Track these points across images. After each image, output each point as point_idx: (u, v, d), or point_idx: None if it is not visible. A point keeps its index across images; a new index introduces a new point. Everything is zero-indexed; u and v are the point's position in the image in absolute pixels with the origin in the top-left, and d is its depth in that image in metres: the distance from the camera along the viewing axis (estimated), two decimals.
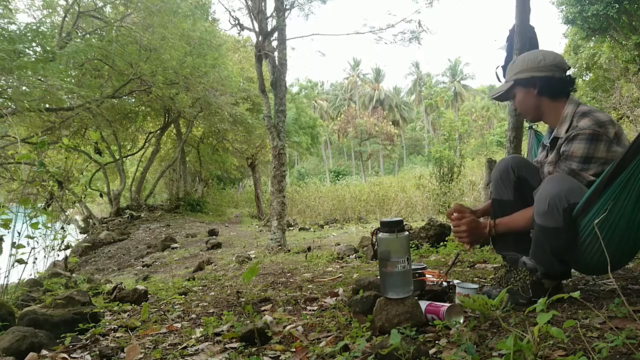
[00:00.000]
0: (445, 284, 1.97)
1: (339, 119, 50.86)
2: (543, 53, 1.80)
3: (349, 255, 4.01)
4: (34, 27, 7.80)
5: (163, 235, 9.12)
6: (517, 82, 1.79)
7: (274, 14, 6.06)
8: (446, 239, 3.94)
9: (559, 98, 1.75)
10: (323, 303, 2.14)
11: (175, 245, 7.88)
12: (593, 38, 14.28)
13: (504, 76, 3.31)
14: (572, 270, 1.78)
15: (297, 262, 3.99)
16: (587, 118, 1.62)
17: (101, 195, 14.09)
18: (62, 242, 3.44)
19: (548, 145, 1.83)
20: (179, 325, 1.99)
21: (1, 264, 2.57)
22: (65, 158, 3.87)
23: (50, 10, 10.25)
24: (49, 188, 3.75)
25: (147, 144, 15.65)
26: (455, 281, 2.00)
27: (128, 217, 12.46)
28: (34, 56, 7.76)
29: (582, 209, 1.52)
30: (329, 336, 1.59)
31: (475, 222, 1.85)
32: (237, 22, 6.23)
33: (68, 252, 5.08)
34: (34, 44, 7.76)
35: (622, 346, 1.11)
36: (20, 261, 2.59)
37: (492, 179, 1.92)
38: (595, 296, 1.72)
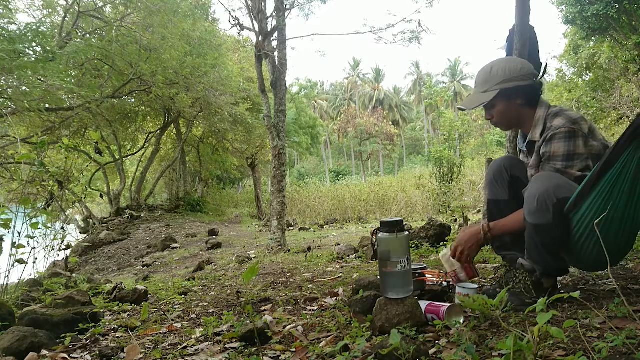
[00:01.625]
0: (445, 284, 1.97)
1: (339, 119, 50.86)
2: (520, 61, 1.80)
3: (349, 255, 4.01)
4: (34, 27, 7.79)
5: (163, 235, 9.12)
6: (502, 92, 1.74)
7: (274, 14, 6.05)
8: (446, 239, 3.94)
9: (535, 105, 1.76)
10: (323, 303, 2.14)
11: (175, 245, 7.87)
12: (593, 38, 14.27)
13: None
14: (572, 269, 1.78)
15: (297, 262, 3.99)
16: (560, 117, 1.65)
17: (101, 196, 14.10)
18: (62, 242, 3.44)
19: (525, 149, 1.84)
20: (179, 325, 1.99)
21: (1, 264, 2.57)
22: (66, 158, 3.88)
23: (50, 10, 10.25)
24: (49, 188, 3.75)
25: (147, 144, 15.64)
26: None
27: (128, 217, 12.46)
28: (34, 56, 7.75)
29: (573, 204, 1.53)
30: (329, 336, 1.59)
31: (462, 231, 1.84)
32: (237, 22, 6.22)
33: (68, 252, 5.08)
34: (34, 44, 7.76)
35: (622, 346, 1.11)
36: (20, 261, 2.59)
37: (487, 180, 1.94)
38: (595, 296, 1.72)
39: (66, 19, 9.88)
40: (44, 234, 3.05)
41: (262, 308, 2.18)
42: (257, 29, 6.02)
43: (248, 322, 1.65)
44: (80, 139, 12.33)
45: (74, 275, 4.06)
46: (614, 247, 1.55)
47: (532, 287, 1.68)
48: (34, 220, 2.69)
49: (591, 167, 1.59)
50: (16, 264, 2.57)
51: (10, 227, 2.43)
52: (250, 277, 1.43)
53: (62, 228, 3.56)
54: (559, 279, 1.79)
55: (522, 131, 1.87)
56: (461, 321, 1.51)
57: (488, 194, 1.94)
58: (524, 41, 3.16)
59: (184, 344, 1.69)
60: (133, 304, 2.55)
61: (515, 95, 1.74)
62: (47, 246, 3.15)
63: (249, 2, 6.05)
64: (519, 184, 1.83)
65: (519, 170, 1.87)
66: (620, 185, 1.43)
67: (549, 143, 1.64)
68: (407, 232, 1.57)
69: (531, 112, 1.76)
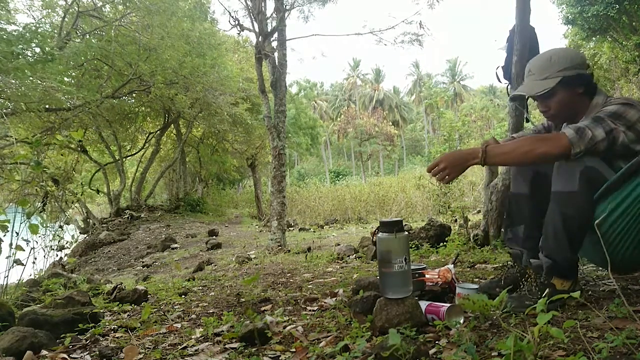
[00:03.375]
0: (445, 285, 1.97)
1: (338, 119, 50.85)
2: (574, 50, 1.75)
3: (349, 256, 4.01)
4: (33, 28, 7.79)
5: (163, 236, 9.12)
6: (564, 80, 1.64)
7: (274, 15, 6.06)
8: (446, 239, 3.94)
9: (593, 94, 1.69)
10: (323, 303, 2.14)
11: (175, 245, 7.87)
12: (593, 38, 14.27)
13: (504, 77, 3.32)
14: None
15: (297, 262, 3.99)
16: (618, 98, 1.61)
17: (97, 192, 14.07)
18: (59, 242, 3.44)
19: None
20: (178, 325, 1.99)
21: (0, 265, 2.57)
22: (61, 154, 3.87)
23: (49, 11, 10.24)
24: (46, 187, 3.74)
25: (147, 145, 15.65)
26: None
27: (128, 217, 12.46)
28: (32, 58, 7.74)
29: (605, 190, 1.49)
30: (329, 336, 1.59)
31: (452, 152, 1.69)
32: (237, 22, 6.23)
33: (64, 252, 5.08)
34: (32, 45, 7.75)
35: (622, 346, 1.11)
36: (17, 262, 2.58)
37: (511, 173, 1.93)
38: (595, 296, 1.72)
39: (65, 19, 9.88)
40: (42, 234, 3.04)
41: (262, 308, 2.18)
42: (257, 30, 6.03)
43: (248, 322, 1.65)
44: (80, 139, 12.32)
45: (73, 275, 4.06)
46: None
47: (538, 289, 1.66)
48: (32, 221, 2.68)
49: (626, 142, 1.50)
50: (14, 264, 2.57)
51: (7, 229, 2.42)
52: (251, 282, 1.43)
53: (61, 227, 3.56)
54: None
55: (571, 120, 1.75)
56: (461, 321, 1.51)
57: (511, 186, 1.94)
58: (524, 41, 3.16)
59: (184, 344, 1.69)
60: (133, 304, 2.55)
61: (576, 84, 1.66)
62: (45, 247, 3.15)
63: (249, 3, 6.06)
64: (543, 180, 1.75)
65: (546, 165, 1.74)
66: None
67: (602, 108, 1.59)
68: (406, 232, 1.57)
69: (588, 102, 1.69)
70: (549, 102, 1.71)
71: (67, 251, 7.64)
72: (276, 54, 5.96)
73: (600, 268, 2.20)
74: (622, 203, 1.48)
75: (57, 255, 3.99)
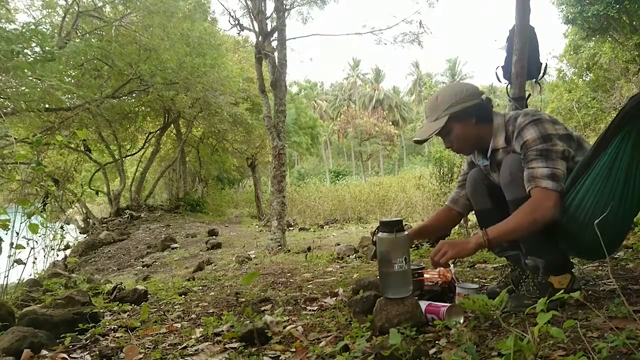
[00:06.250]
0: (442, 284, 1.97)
1: (338, 119, 50.83)
2: (463, 84, 1.81)
3: (349, 256, 4.01)
4: (32, 27, 7.78)
5: (163, 236, 9.11)
6: (452, 116, 1.72)
7: (274, 14, 6.06)
8: (446, 239, 3.93)
9: (491, 119, 1.76)
10: (323, 303, 2.14)
11: (175, 245, 7.87)
12: (593, 38, 14.26)
13: (504, 76, 3.32)
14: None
15: (297, 262, 3.99)
16: (520, 116, 1.67)
17: (97, 193, 14.04)
18: (61, 242, 3.43)
19: (488, 162, 1.82)
20: (178, 325, 1.99)
21: (1, 264, 2.57)
22: (60, 154, 3.88)
23: (49, 11, 10.23)
24: (46, 187, 3.73)
25: (146, 144, 15.63)
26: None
27: (128, 217, 12.45)
28: (32, 56, 7.72)
29: (567, 188, 1.55)
30: (329, 336, 1.59)
31: (449, 241, 1.77)
32: (237, 22, 6.23)
33: (67, 252, 5.08)
34: (32, 44, 7.73)
35: (622, 346, 1.11)
36: (19, 261, 2.58)
37: (468, 192, 1.96)
38: (595, 296, 1.72)
39: (65, 19, 9.87)
40: (42, 234, 3.04)
41: (262, 308, 2.18)
42: (256, 30, 6.03)
43: (248, 322, 1.65)
44: (84, 138, 12.29)
45: (73, 275, 4.06)
46: (612, 234, 1.55)
47: (537, 288, 1.66)
48: (32, 220, 2.68)
49: (566, 148, 1.60)
50: (15, 264, 2.56)
51: (8, 228, 2.42)
52: (250, 281, 1.43)
53: (62, 227, 3.56)
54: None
55: (481, 147, 1.83)
56: (461, 321, 1.51)
57: (474, 205, 1.97)
58: (524, 41, 3.16)
59: (184, 344, 1.69)
60: (133, 304, 2.55)
61: (466, 116, 1.73)
62: (46, 246, 3.14)
63: (249, 3, 6.06)
64: (499, 191, 1.80)
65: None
66: (617, 169, 1.43)
67: (519, 136, 1.64)
68: (406, 232, 1.57)
69: (489, 127, 1.76)
70: (450, 139, 1.80)
71: (68, 251, 7.63)
72: (276, 54, 5.96)
73: (597, 264, 2.20)
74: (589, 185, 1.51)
75: (57, 255, 3.99)
